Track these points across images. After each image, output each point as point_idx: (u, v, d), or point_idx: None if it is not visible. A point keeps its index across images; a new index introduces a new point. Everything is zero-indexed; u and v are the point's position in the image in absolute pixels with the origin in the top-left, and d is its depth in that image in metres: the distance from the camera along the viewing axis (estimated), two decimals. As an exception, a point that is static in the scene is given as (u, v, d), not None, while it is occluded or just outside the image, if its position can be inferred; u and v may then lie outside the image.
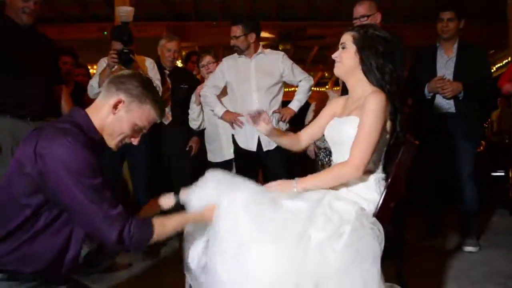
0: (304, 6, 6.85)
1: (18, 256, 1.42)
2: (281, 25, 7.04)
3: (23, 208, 1.42)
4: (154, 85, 1.68)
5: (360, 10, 3.03)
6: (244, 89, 3.42)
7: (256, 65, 3.43)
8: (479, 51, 3.47)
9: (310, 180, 1.76)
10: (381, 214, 1.70)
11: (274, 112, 3.44)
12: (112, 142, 1.58)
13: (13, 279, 1.43)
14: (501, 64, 8.05)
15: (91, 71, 5.02)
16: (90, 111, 1.57)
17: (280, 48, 6.33)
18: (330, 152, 2.06)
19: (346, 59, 1.84)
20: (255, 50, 3.45)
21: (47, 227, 1.44)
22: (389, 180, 1.76)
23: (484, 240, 3.44)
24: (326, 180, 1.74)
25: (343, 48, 1.86)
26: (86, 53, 5.05)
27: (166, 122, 3.66)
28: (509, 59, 7.05)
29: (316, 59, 8.94)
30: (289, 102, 3.56)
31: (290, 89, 4.62)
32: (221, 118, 3.50)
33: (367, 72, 1.82)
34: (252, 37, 3.40)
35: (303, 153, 4.34)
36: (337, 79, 4.11)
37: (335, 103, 2.06)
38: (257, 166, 3.54)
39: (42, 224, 1.44)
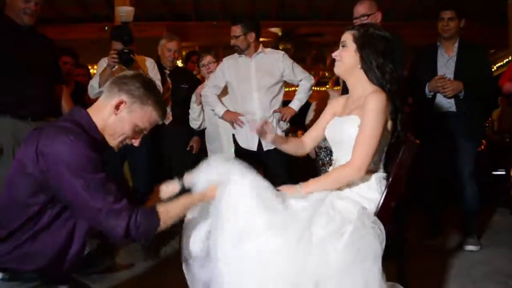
0: (304, 5, 6.86)
1: (19, 254, 1.43)
2: (281, 24, 7.04)
3: (25, 208, 1.42)
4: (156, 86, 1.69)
5: (360, 9, 3.03)
6: (245, 88, 3.42)
7: (257, 64, 3.43)
8: (480, 50, 3.46)
9: (314, 183, 1.76)
10: (382, 214, 1.70)
11: (274, 111, 3.44)
12: (113, 142, 1.59)
13: (14, 279, 1.43)
14: (501, 63, 8.04)
15: (91, 71, 5.02)
16: (92, 111, 1.57)
17: (281, 48, 6.34)
18: (331, 151, 2.05)
19: (346, 58, 1.84)
20: (255, 50, 3.45)
21: (49, 225, 1.45)
22: (390, 179, 1.77)
23: (485, 239, 3.43)
24: (329, 182, 1.75)
25: (343, 46, 1.86)
26: (87, 53, 5.05)
27: (166, 122, 3.66)
28: (510, 58, 7.04)
29: (316, 59, 8.94)
30: (289, 101, 3.56)
31: (290, 89, 4.62)
32: (222, 117, 3.50)
33: (367, 70, 1.82)
34: (251, 36, 3.40)
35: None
36: (338, 78, 4.12)
37: (335, 103, 2.06)
38: (257, 165, 3.53)
39: (44, 223, 1.44)
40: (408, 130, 1.89)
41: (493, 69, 6.05)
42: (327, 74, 10.24)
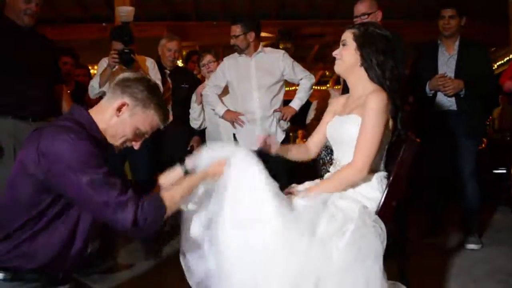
0: (304, 4, 6.85)
1: (19, 253, 1.43)
2: (281, 23, 7.04)
3: (27, 209, 1.42)
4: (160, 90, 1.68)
5: (360, 8, 3.03)
6: (245, 88, 3.43)
7: (257, 64, 3.43)
8: (481, 49, 3.46)
9: (317, 190, 1.75)
10: (383, 212, 1.70)
11: (275, 111, 3.44)
12: (113, 144, 1.59)
13: (16, 279, 1.43)
14: (502, 61, 8.03)
15: (91, 71, 5.03)
16: (94, 111, 1.57)
17: (281, 47, 6.33)
18: (331, 150, 2.05)
19: (347, 56, 1.84)
20: (255, 49, 3.45)
21: (49, 225, 1.45)
22: (391, 178, 1.76)
23: (486, 238, 3.43)
24: (332, 186, 1.73)
25: (344, 45, 1.86)
26: (87, 53, 5.06)
27: (167, 122, 3.66)
28: (510, 56, 7.05)
29: (316, 58, 8.93)
30: (290, 101, 3.55)
31: (290, 88, 4.62)
32: (222, 117, 3.51)
33: (367, 69, 1.82)
34: (251, 36, 3.40)
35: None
36: (338, 77, 4.12)
37: (335, 103, 2.06)
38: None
39: (44, 223, 1.44)
40: (409, 129, 1.88)
41: (493, 67, 6.04)
42: (327, 73, 10.25)
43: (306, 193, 1.74)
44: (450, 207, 3.86)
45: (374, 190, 1.75)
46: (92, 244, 2.53)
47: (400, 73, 1.91)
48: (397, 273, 1.90)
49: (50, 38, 3.05)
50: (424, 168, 3.34)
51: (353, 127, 1.78)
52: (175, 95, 3.78)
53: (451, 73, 3.29)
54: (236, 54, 3.51)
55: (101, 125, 1.54)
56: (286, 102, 3.55)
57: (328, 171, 1.96)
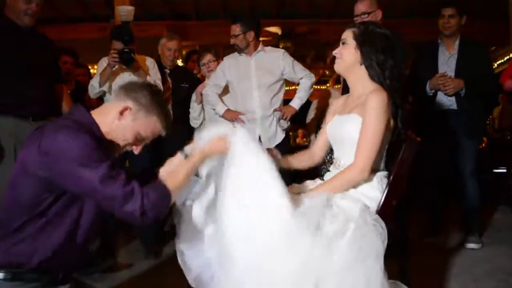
0: (304, 4, 6.84)
1: (18, 251, 1.42)
2: (281, 23, 7.03)
3: (28, 209, 1.42)
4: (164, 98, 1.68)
5: (361, 7, 3.03)
6: (245, 87, 3.42)
7: (257, 63, 3.43)
8: (481, 48, 3.46)
9: (319, 191, 1.73)
10: (383, 212, 1.70)
11: (275, 110, 3.43)
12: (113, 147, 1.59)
13: (16, 279, 1.43)
14: (502, 60, 8.03)
15: (91, 71, 5.02)
16: (96, 113, 1.57)
17: (281, 46, 6.33)
18: (332, 149, 2.05)
19: (347, 55, 1.84)
20: (255, 48, 3.45)
21: (50, 224, 1.44)
22: (391, 177, 1.76)
23: (486, 237, 3.43)
24: (333, 187, 1.72)
25: (344, 44, 1.86)
26: (87, 53, 5.05)
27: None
28: (511, 55, 7.04)
29: (317, 57, 8.93)
30: (290, 100, 3.55)
31: (291, 88, 4.61)
32: (222, 116, 3.50)
33: (368, 67, 1.81)
34: (250, 35, 3.39)
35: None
36: (338, 77, 4.11)
37: (335, 103, 2.06)
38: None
39: (44, 222, 1.44)
40: (409, 128, 1.88)
41: (494, 67, 6.04)
42: (327, 73, 10.25)
43: (307, 193, 1.73)
44: (451, 206, 3.86)
45: (375, 190, 1.75)
46: (92, 244, 2.53)
47: (400, 72, 1.91)
48: (398, 272, 1.90)
49: (50, 38, 3.05)
50: (424, 168, 3.34)
51: (353, 127, 1.77)
52: (175, 94, 3.77)
53: (451, 72, 3.29)
54: (236, 54, 3.51)
55: (103, 127, 1.54)
56: (286, 102, 3.55)
57: (328, 171, 1.95)
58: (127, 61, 3.20)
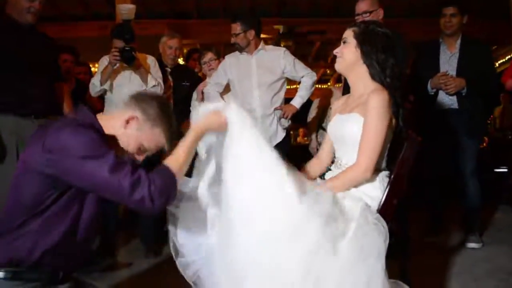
0: (305, 2, 6.84)
1: (16, 249, 1.42)
2: (282, 22, 7.03)
3: (29, 208, 1.42)
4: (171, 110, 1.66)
5: (362, 6, 3.02)
6: (245, 86, 3.42)
7: (257, 61, 3.43)
8: (482, 47, 3.45)
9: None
10: (384, 211, 1.70)
11: (275, 109, 3.43)
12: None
13: (16, 278, 1.43)
14: (503, 60, 8.02)
15: (92, 69, 5.02)
16: (104, 119, 1.57)
17: (282, 45, 6.33)
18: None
19: (347, 54, 1.84)
20: (256, 47, 3.44)
21: (49, 224, 1.44)
22: (392, 177, 1.76)
23: (486, 237, 3.43)
24: (335, 187, 1.71)
25: (344, 42, 1.86)
26: (88, 51, 5.05)
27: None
28: (512, 54, 7.02)
29: (318, 56, 8.93)
30: (291, 99, 3.54)
31: (291, 87, 4.61)
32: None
33: (368, 66, 1.81)
34: (251, 34, 3.39)
35: (305, 150, 4.34)
36: (339, 76, 4.10)
37: (336, 104, 2.06)
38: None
39: (44, 220, 1.43)
40: (410, 127, 1.88)
41: (495, 66, 6.03)
42: (328, 72, 10.25)
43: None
44: (451, 206, 3.85)
45: (376, 189, 1.75)
46: (93, 243, 2.53)
47: (401, 71, 1.91)
48: (398, 271, 1.90)
49: (50, 36, 3.04)
50: (425, 167, 3.33)
51: (354, 126, 1.77)
52: (176, 93, 3.77)
53: (452, 72, 3.29)
54: (237, 52, 3.51)
55: (108, 131, 1.54)
56: (287, 100, 3.54)
57: (329, 169, 1.95)
58: (128, 60, 3.20)
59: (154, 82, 3.37)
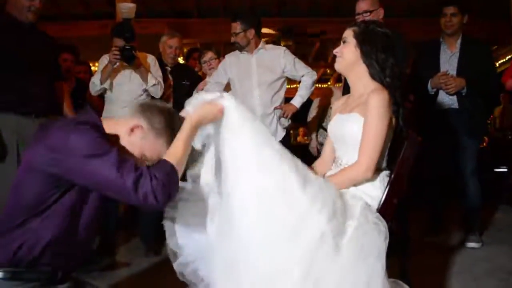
0: (305, 2, 6.84)
1: (14, 247, 1.42)
2: (282, 21, 7.03)
3: (30, 208, 1.42)
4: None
5: (362, 5, 3.02)
6: (245, 85, 3.42)
7: (257, 61, 3.42)
8: (483, 47, 3.45)
9: None
10: (384, 210, 1.70)
11: (275, 108, 3.43)
12: None
13: (15, 279, 1.43)
14: (504, 59, 8.02)
15: (93, 68, 5.02)
16: (109, 123, 1.56)
17: (282, 44, 6.33)
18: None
19: (347, 54, 1.83)
20: (256, 46, 3.44)
21: (53, 216, 1.44)
22: (392, 176, 1.76)
23: (486, 236, 3.43)
24: (337, 186, 1.69)
25: (344, 42, 1.85)
26: (88, 50, 5.06)
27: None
28: (512, 54, 7.02)
29: (318, 56, 8.92)
30: (291, 99, 3.54)
31: (291, 86, 4.61)
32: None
33: (368, 66, 1.81)
34: (251, 33, 3.39)
35: (305, 150, 4.34)
36: (340, 75, 4.10)
37: (336, 104, 2.06)
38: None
39: (47, 215, 1.43)
40: (410, 127, 1.88)
41: (495, 66, 6.02)
42: (328, 71, 10.25)
43: None
44: (451, 206, 3.85)
45: (377, 189, 1.74)
46: (93, 243, 2.53)
47: (401, 71, 1.91)
48: (398, 271, 1.90)
49: (50, 35, 3.04)
50: (425, 167, 3.33)
51: (354, 125, 1.77)
52: (176, 92, 3.77)
53: (453, 71, 3.29)
54: (237, 51, 3.51)
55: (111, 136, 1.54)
56: (287, 100, 3.54)
57: (330, 169, 1.95)
58: (129, 59, 3.20)
59: (154, 81, 3.37)
